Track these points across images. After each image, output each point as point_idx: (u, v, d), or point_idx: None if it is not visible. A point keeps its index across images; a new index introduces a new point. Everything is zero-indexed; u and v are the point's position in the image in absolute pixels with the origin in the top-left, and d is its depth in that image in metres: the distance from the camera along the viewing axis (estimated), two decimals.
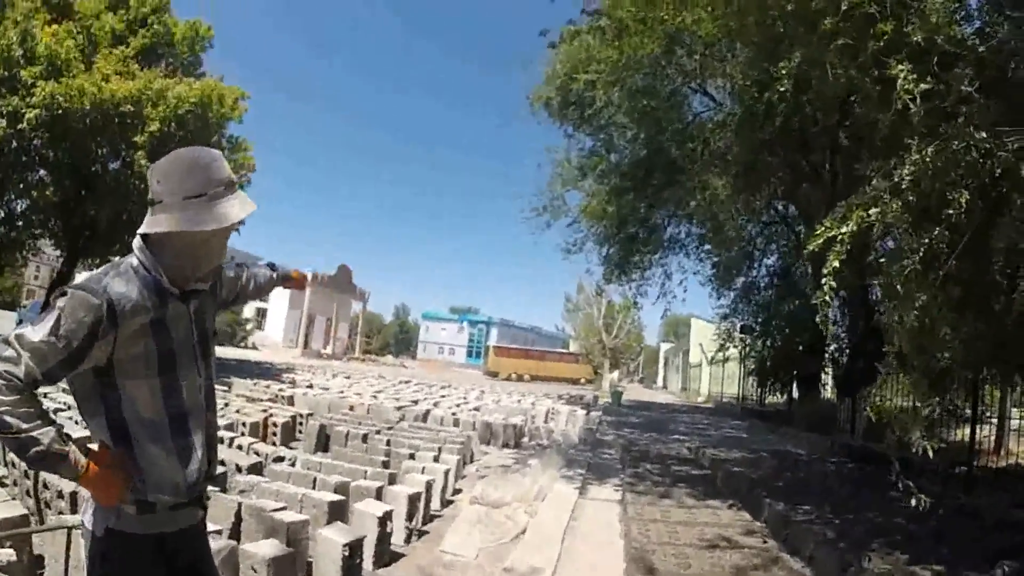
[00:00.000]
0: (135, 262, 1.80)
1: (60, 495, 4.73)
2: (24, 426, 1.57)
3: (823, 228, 4.94)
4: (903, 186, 4.46)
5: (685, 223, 18.42)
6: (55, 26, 18.36)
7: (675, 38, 11.41)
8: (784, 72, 6.40)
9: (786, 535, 6.12)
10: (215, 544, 2.98)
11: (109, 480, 1.71)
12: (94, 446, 1.79)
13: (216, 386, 2.05)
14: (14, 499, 4.64)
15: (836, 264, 4.80)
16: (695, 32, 10.83)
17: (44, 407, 1.66)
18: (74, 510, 4.48)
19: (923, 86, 4.51)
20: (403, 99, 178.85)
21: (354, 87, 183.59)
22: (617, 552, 5.57)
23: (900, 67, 4.61)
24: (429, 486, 6.58)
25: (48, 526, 4.32)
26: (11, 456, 5.59)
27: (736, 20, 8.66)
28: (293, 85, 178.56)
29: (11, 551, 3.46)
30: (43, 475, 5.00)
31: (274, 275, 2.56)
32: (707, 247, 18.78)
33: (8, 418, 1.56)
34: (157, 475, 1.76)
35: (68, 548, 3.58)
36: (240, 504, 4.66)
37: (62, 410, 7.79)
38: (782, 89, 6.63)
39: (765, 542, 6.11)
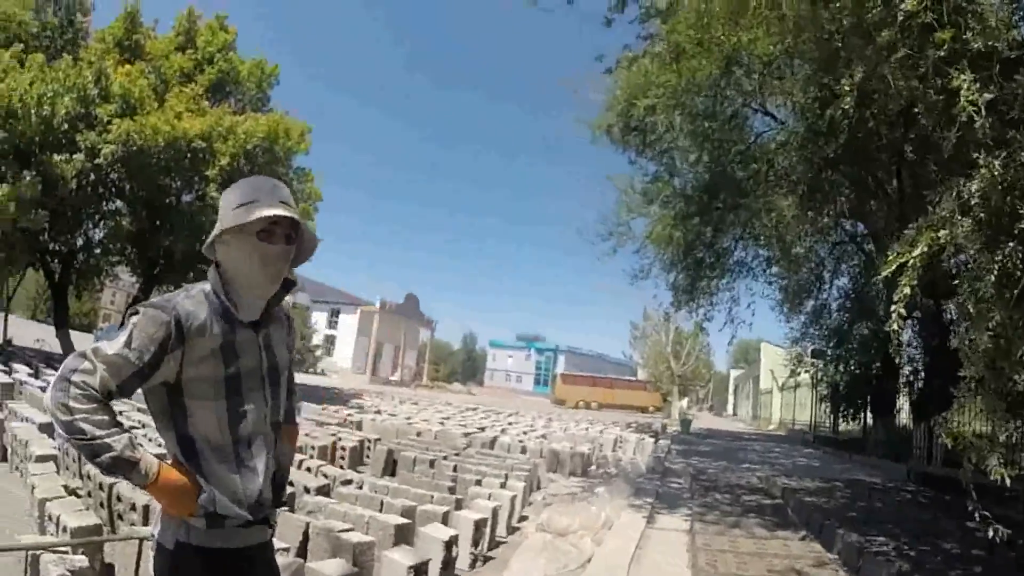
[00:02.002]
0: (207, 288, 1.88)
1: (133, 507, 4.90)
2: (98, 432, 1.64)
3: (894, 255, 4.83)
4: (972, 203, 4.33)
5: (752, 246, 18.01)
6: (128, 66, 19.31)
7: (733, 59, 11.30)
8: (847, 88, 6.27)
9: (859, 567, 5.89)
10: (282, 561, 3.03)
11: (177, 491, 1.77)
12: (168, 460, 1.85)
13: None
14: (88, 509, 4.82)
15: (907, 291, 4.67)
16: (752, 52, 10.75)
17: (118, 417, 1.73)
18: (146, 522, 4.64)
19: (986, 96, 4.38)
20: (470, 125, 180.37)
21: (418, 115, 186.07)
22: None
23: (962, 76, 4.50)
24: (495, 512, 6.58)
25: (120, 536, 4.48)
26: (87, 468, 5.83)
27: (792, 37, 8.57)
28: (357, 121, 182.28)
29: (84, 558, 3.61)
30: (117, 488, 5.19)
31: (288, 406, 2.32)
32: (775, 270, 18.34)
33: (83, 425, 1.63)
34: (223, 494, 1.81)
35: (139, 558, 3.70)
36: (308, 524, 4.75)
37: (136, 428, 8.06)
38: (845, 106, 6.50)
39: (838, 574, 5.93)
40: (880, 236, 13.48)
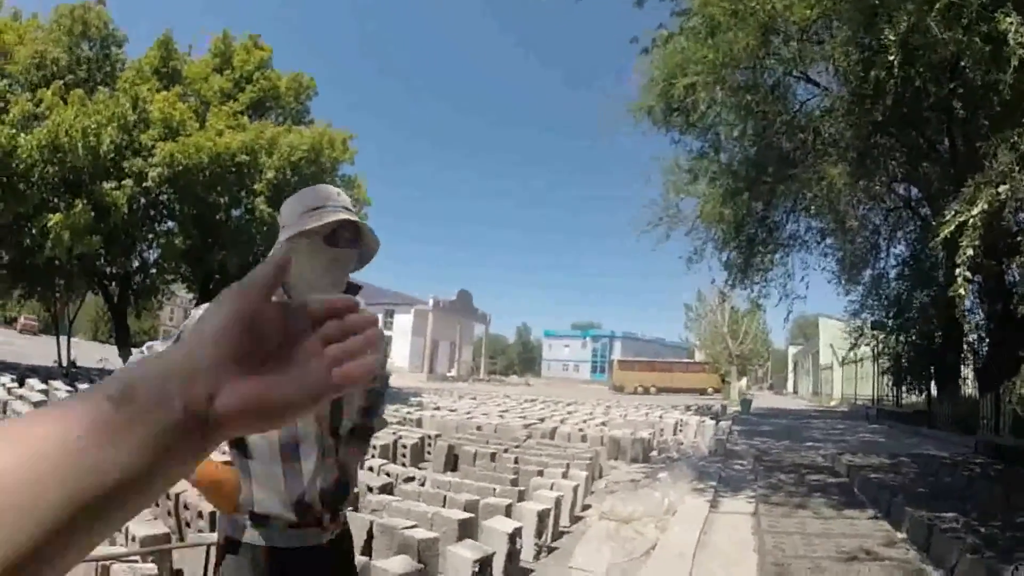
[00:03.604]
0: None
1: (200, 515, 4.97)
2: None
3: (952, 213, 4.65)
4: None
5: (804, 218, 17.66)
6: (165, 92, 19.76)
7: (769, 27, 11.02)
8: (892, 40, 6.07)
9: (929, 545, 5.70)
10: None
11: (215, 486, 1.88)
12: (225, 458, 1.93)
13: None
14: (156, 518, 4.91)
15: (969, 251, 4.51)
16: (789, 18, 10.49)
17: None
18: (212, 529, 4.70)
19: None
20: (516, 117, 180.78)
21: (463, 106, 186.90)
22: (751, 567, 5.37)
23: (1008, 19, 4.30)
24: (558, 502, 6.54)
25: (187, 543, 4.55)
26: None
27: None
28: (403, 115, 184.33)
29: (153, 566, 3.66)
30: (183, 496, 5.28)
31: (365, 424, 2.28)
32: (829, 241, 17.97)
33: None
34: (267, 492, 1.87)
35: (207, 564, 3.75)
36: (372, 522, 4.77)
37: None
38: (890, 60, 6.29)
39: (907, 553, 5.74)
40: (936, 198, 13.13)
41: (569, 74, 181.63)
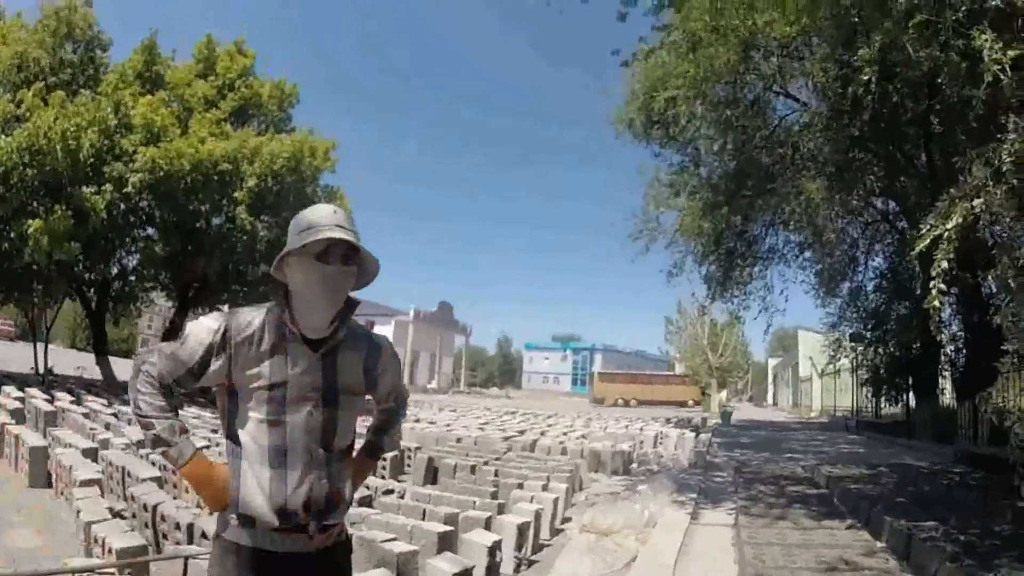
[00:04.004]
0: (273, 306, 2.03)
1: (177, 527, 4.95)
2: (149, 412, 1.93)
3: (928, 227, 4.71)
4: (1004, 169, 4.21)
5: (783, 232, 17.81)
6: (148, 97, 19.62)
7: (750, 43, 11.15)
8: (867, 58, 6.15)
9: (909, 553, 5.74)
10: None
11: (204, 482, 1.99)
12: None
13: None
14: (133, 530, 4.88)
15: (944, 264, 4.57)
16: (769, 35, 10.62)
17: (173, 406, 1.99)
18: (191, 541, 4.68)
19: (1011, 53, 4.26)
20: (496, 123, 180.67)
21: (444, 116, 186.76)
22: None
23: (983, 36, 4.37)
24: (538, 515, 6.54)
25: (165, 555, 4.52)
26: (131, 490, 6.01)
27: (808, 16, 8.45)
28: (382, 119, 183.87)
29: None
30: (161, 508, 5.25)
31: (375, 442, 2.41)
32: (808, 254, 18.14)
33: (140, 403, 1.94)
34: (251, 494, 1.92)
35: None
36: (351, 535, 4.75)
37: None
38: (866, 77, 6.38)
39: (887, 562, 5.78)
40: (913, 212, 13.27)
41: (552, 85, 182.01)
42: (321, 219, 1.98)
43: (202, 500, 2.03)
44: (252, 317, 1.99)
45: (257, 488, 1.91)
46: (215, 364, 1.94)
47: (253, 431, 1.93)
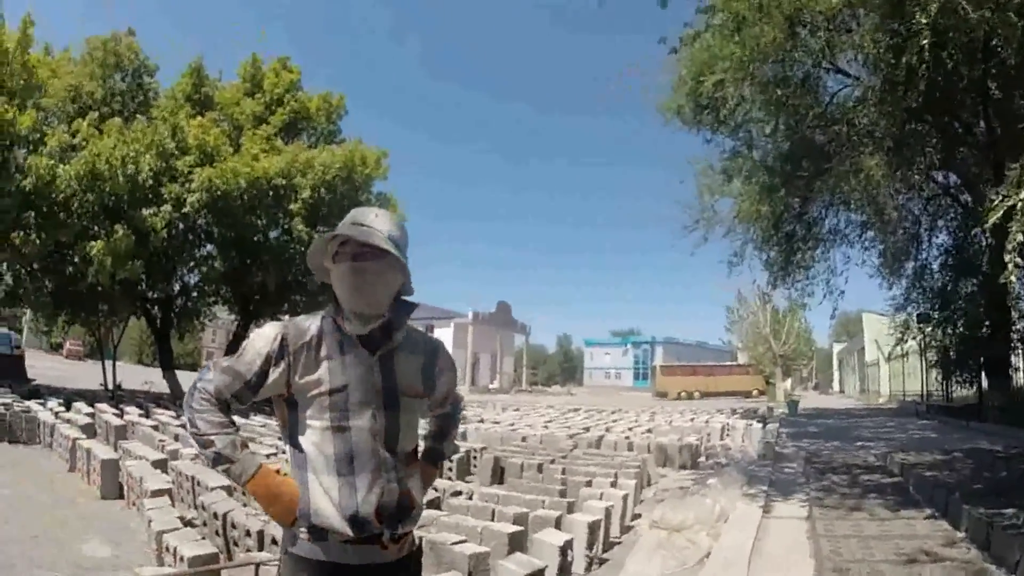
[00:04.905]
0: (328, 311, 2.03)
1: (248, 533, 4.98)
2: (208, 430, 1.89)
3: (1000, 198, 4.49)
4: None
5: (843, 212, 17.36)
6: (200, 118, 20.13)
7: (796, 19, 10.82)
8: (924, 22, 5.92)
9: (989, 543, 5.51)
10: None
11: (271, 497, 1.91)
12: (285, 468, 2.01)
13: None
14: (204, 539, 4.93)
15: (1020, 237, 4.34)
16: (815, 9, 10.32)
17: (232, 421, 1.96)
18: (261, 548, 4.71)
19: None
20: (550, 121, 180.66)
21: (498, 117, 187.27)
22: (808, 573, 5.23)
23: None
24: (608, 513, 6.47)
25: (236, 562, 4.55)
26: (201, 499, 6.06)
27: None
28: (436, 123, 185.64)
29: None
30: (231, 515, 5.30)
31: (435, 448, 2.41)
32: (870, 234, 17.65)
33: (198, 421, 1.90)
34: (321, 505, 1.88)
35: None
36: (420, 538, 4.73)
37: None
38: (923, 42, 6.14)
39: (968, 552, 5.56)
40: (975, 184, 12.84)
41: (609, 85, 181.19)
42: (342, 222, 2.01)
43: (270, 516, 1.97)
44: (309, 324, 1.98)
45: (326, 498, 1.87)
46: (274, 374, 1.92)
47: (317, 439, 1.91)
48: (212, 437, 1.88)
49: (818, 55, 12.28)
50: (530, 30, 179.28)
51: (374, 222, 1.98)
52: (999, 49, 7.70)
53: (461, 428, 14.49)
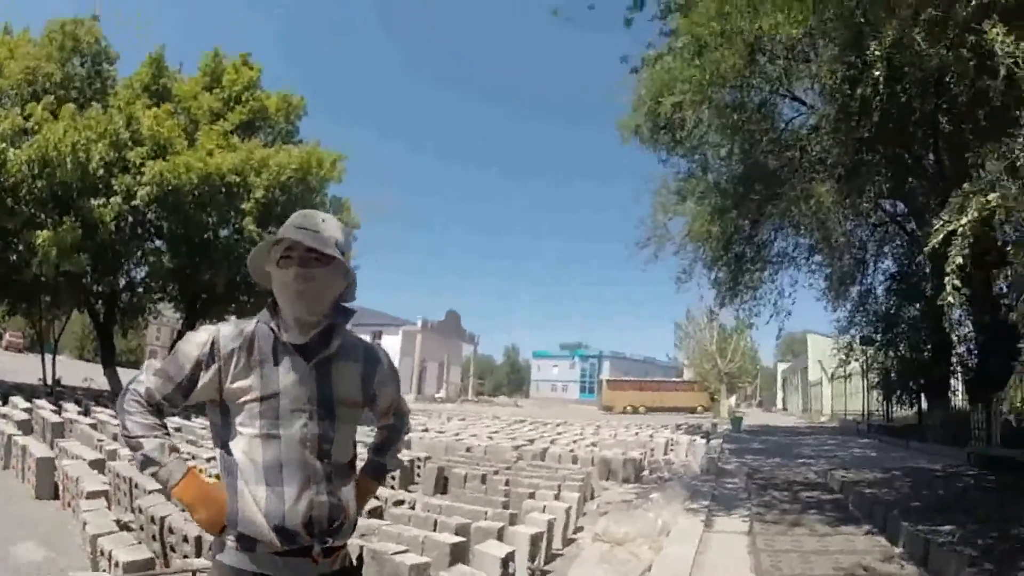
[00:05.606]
0: (265, 315, 1.98)
1: (185, 539, 4.89)
2: (136, 432, 1.85)
3: (941, 223, 4.66)
4: (1019, 163, 4.16)
5: (792, 235, 17.67)
6: (155, 109, 19.71)
7: (756, 47, 11.11)
8: (877, 54, 6.12)
9: (927, 559, 5.67)
10: None
11: (198, 503, 1.87)
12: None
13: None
14: (140, 543, 4.81)
15: (959, 260, 4.50)
16: (775, 38, 10.58)
17: (162, 424, 1.92)
18: (199, 554, 4.62)
19: None
20: (508, 130, 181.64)
21: (452, 123, 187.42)
22: None
23: (995, 30, 4.33)
24: (551, 525, 6.47)
25: (172, 569, 4.46)
26: (139, 502, 5.93)
27: (816, 18, 8.41)
28: (390, 125, 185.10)
29: None
30: (168, 520, 5.20)
31: (377, 461, 2.34)
32: (817, 258, 18.01)
33: (128, 423, 1.87)
34: (249, 514, 1.83)
35: None
36: (361, 548, 4.68)
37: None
38: (877, 73, 6.34)
39: (905, 568, 5.71)
40: (922, 213, 13.24)
41: (567, 97, 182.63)
42: (287, 225, 1.96)
43: (197, 522, 1.92)
44: (242, 328, 1.93)
45: (254, 507, 1.82)
46: (204, 378, 1.88)
47: (247, 447, 1.86)
48: (141, 439, 1.84)
49: (776, 82, 12.58)
50: (491, 34, 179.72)
51: (321, 226, 1.94)
52: (951, 85, 7.96)
53: (406, 437, 14.46)
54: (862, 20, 7.58)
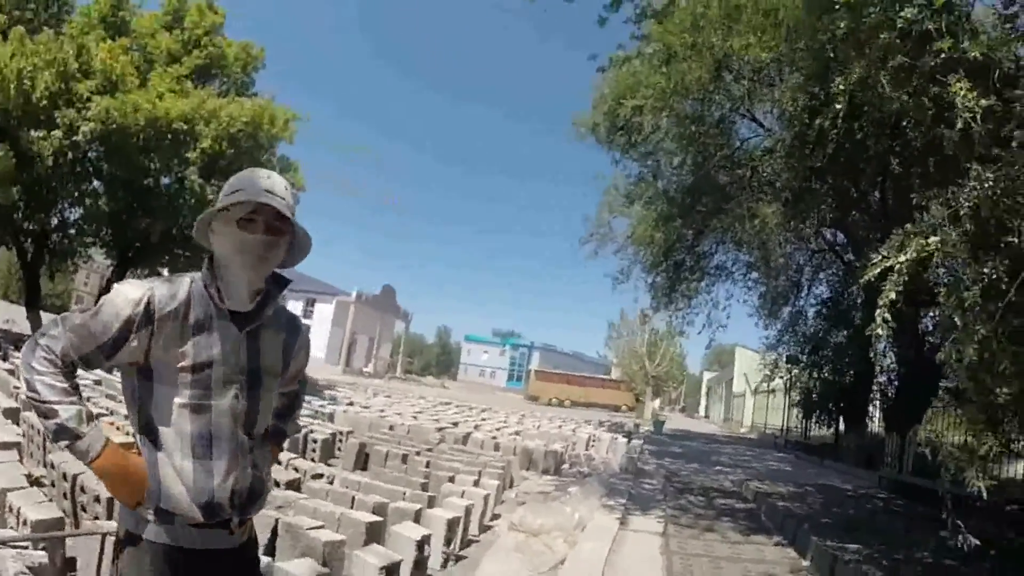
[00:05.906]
0: (197, 276, 1.87)
1: (97, 499, 4.76)
2: (49, 396, 1.67)
3: (880, 258, 4.81)
4: (962, 212, 4.32)
5: (733, 251, 18.11)
6: (110, 43, 18.92)
7: (723, 64, 11.34)
8: (840, 89, 6.27)
9: (833, 574, 5.88)
10: None
11: (119, 477, 1.75)
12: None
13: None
14: (51, 501, 4.67)
15: (892, 296, 4.66)
16: (743, 58, 10.79)
17: (76, 386, 1.75)
18: (110, 516, 4.49)
19: (984, 102, 4.37)
20: (452, 115, 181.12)
21: (400, 105, 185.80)
22: None
23: (959, 84, 4.49)
24: (468, 511, 6.51)
25: (82, 531, 4.34)
26: (51, 457, 5.71)
27: (787, 45, 8.57)
28: (345, 102, 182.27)
29: (43, 553, 3.46)
30: (81, 478, 5.04)
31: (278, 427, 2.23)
32: (754, 275, 18.49)
33: (39, 385, 1.67)
34: (172, 488, 1.76)
35: (101, 553, 3.57)
36: (277, 520, 4.64)
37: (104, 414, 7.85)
38: (838, 107, 6.51)
39: None
40: (860, 246, 13.60)
41: (512, 85, 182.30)
42: (251, 183, 1.86)
43: (115, 496, 1.82)
44: (176, 288, 1.81)
45: (178, 481, 1.75)
46: (134, 341, 1.74)
47: (174, 417, 1.77)
48: (55, 406, 1.67)
49: (738, 101, 12.80)
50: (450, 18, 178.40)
51: (285, 193, 1.89)
52: (908, 130, 8.20)
53: (329, 410, 14.31)
54: (831, 55, 7.75)
